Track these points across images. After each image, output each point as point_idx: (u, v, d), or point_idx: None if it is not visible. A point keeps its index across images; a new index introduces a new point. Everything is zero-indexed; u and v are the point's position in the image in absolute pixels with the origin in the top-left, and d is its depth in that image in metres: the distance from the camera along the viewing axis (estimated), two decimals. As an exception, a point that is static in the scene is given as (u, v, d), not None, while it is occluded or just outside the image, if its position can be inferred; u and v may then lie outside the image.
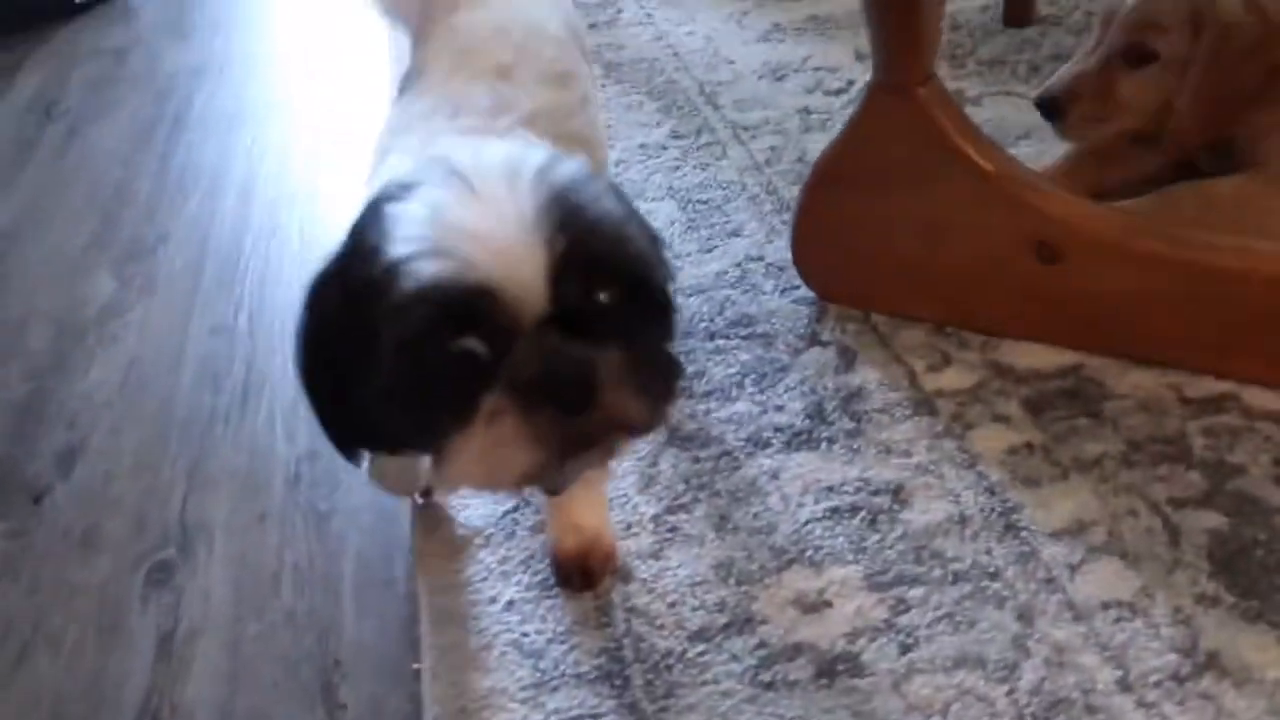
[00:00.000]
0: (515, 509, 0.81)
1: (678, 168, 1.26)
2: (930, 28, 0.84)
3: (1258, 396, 0.83)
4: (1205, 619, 0.68)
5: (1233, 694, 0.63)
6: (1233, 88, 0.90)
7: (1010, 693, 0.65)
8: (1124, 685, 0.64)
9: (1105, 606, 0.69)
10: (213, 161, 1.41)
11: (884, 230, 0.93)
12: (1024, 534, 0.75)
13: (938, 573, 0.73)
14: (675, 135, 1.33)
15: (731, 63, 1.49)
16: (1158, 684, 0.64)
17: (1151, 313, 0.85)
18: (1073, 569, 0.72)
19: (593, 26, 1.68)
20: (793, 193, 1.09)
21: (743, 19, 1.62)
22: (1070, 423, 0.83)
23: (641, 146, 1.31)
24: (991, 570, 0.73)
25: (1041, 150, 1.16)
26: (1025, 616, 0.69)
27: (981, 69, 1.37)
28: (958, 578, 0.72)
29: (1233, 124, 0.94)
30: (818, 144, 1.08)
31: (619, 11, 1.72)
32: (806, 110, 1.33)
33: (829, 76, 1.40)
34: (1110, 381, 0.86)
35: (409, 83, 0.78)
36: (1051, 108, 0.99)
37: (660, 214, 1.17)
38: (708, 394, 0.91)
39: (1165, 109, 0.96)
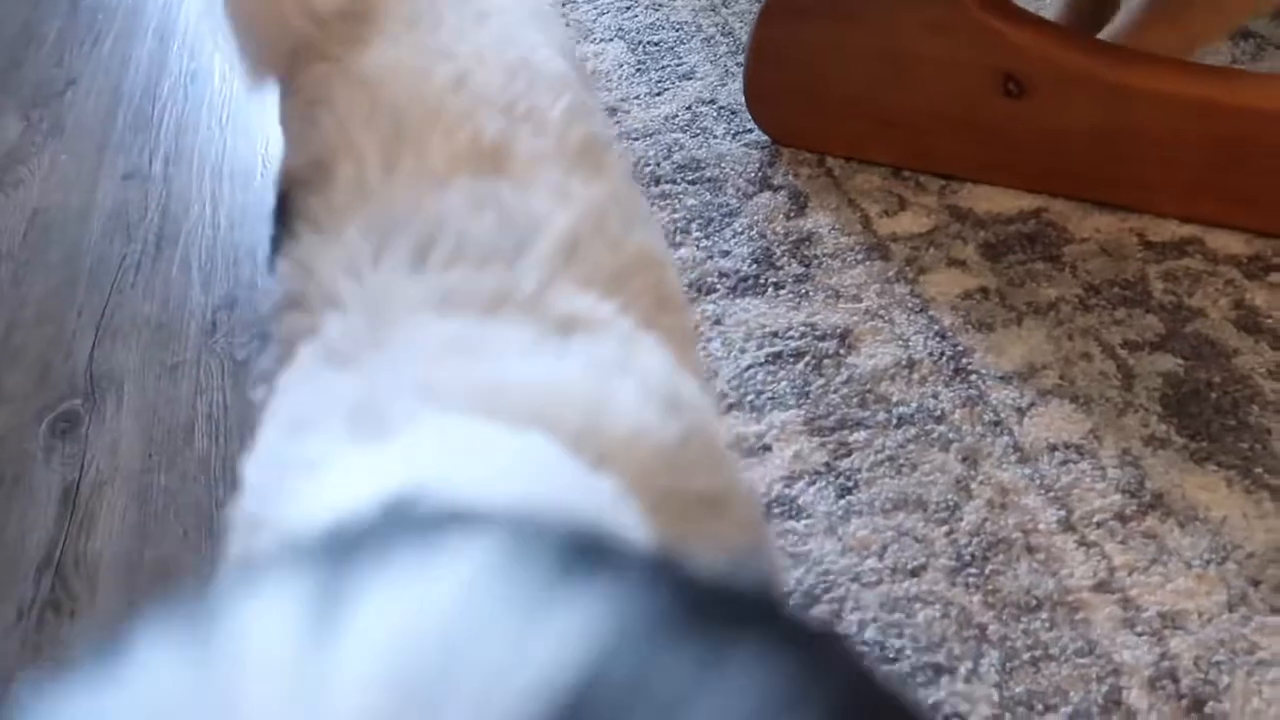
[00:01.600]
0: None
1: (629, 8, 1.17)
2: None
3: (1221, 239, 0.79)
4: (1153, 460, 0.65)
5: (1176, 533, 0.61)
6: None
7: (950, 533, 0.63)
8: (1066, 525, 0.62)
9: (1052, 449, 0.67)
10: (128, 1, 1.30)
11: (841, 65, 0.87)
12: (973, 378, 0.72)
13: (882, 416, 0.70)
14: (627, -26, 1.24)
15: (690, -101, 1.38)
16: (1100, 524, 0.62)
17: (1119, 151, 0.80)
18: (1021, 412, 0.69)
19: None
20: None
21: None
22: (1027, 267, 0.79)
23: (590, -14, 1.22)
24: (938, 414, 0.70)
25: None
26: (970, 459, 0.67)
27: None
28: (902, 421, 0.69)
29: None
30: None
31: None
32: (768, -52, 1.24)
33: (794, -87, 1.30)
34: (1071, 225, 0.82)
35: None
36: None
37: (608, 56, 1.09)
38: (651, 239, 0.86)
39: None
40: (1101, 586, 0.59)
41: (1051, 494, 0.64)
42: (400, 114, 0.40)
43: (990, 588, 0.60)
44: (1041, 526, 0.63)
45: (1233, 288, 0.76)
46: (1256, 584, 0.58)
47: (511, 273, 0.34)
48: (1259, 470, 0.64)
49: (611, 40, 1.12)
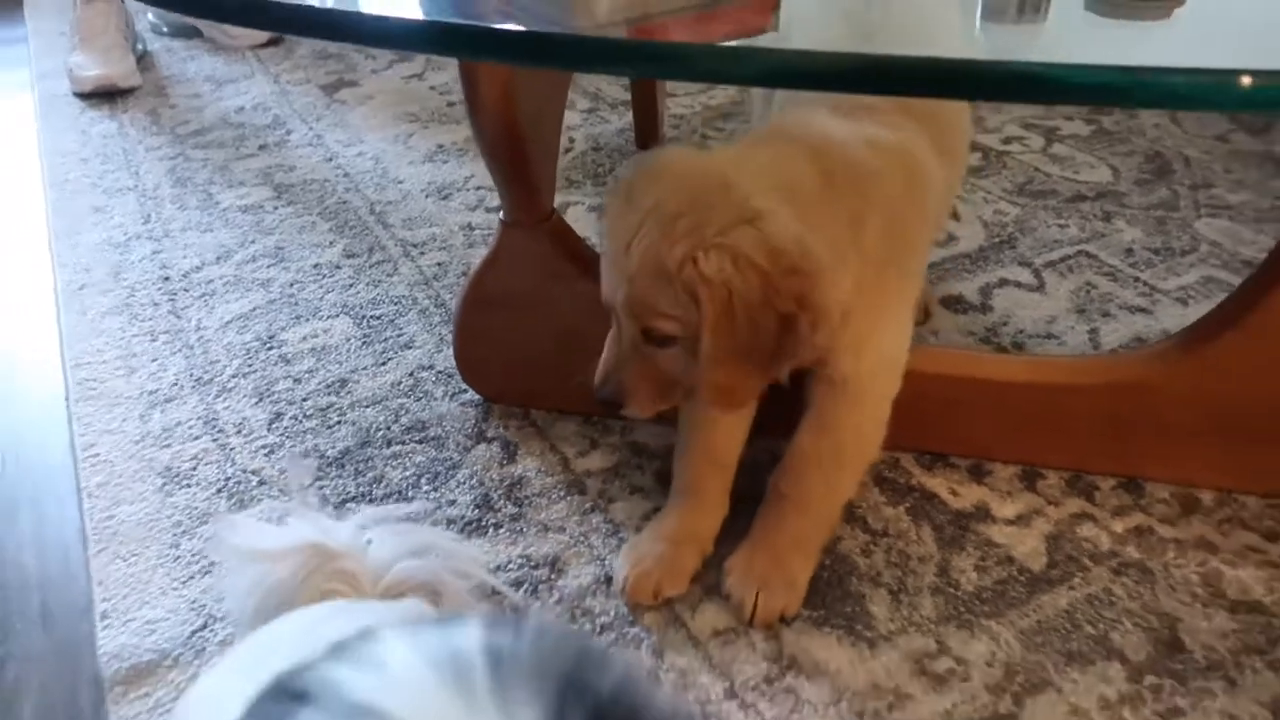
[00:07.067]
0: (204, 627, 0.86)
1: (351, 285, 1.36)
2: (543, 175, 1.01)
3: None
4: (788, 632, 0.87)
5: (808, 686, 0.82)
6: (750, 342, 0.79)
7: (645, 716, 0.80)
8: (730, 693, 0.82)
9: (716, 634, 0.87)
10: None
11: (530, 339, 1.08)
12: (655, 584, 0.91)
13: (588, 627, 0.87)
14: (348, 254, 1.43)
15: (400, 182, 1.62)
16: (754, 688, 0.82)
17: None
18: (693, 608, 0.89)
19: (262, 148, 1.75)
20: (458, 305, 1.23)
21: (408, 140, 1.76)
22: (690, 487, 1.02)
23: (315, 266, 1.40)
24: (631, 619, 0.88)
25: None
26: (658, 652, 0.85)
27: (618, 185, 1.59)
28: (604, 629, 0.87)
29: (766, 376, 0.83)
30: (481, 258, 1.22)
31: (288, 133, 1.80)
32: (470, 226, 1.49)
33: (489, 195, 1.57)
34: (720, 449, 1.06)
35: None
36: (614, 403, 0.87)
37: (336, 331, 1.26)
38: (387, 496, 1.01)
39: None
40: (757, 738, 0.78)
41: (718, 670, 0.83)
42: None
43: (677, 755, 0.77)
44: (713, 697, 0.81)
45: (834, 486, 1.02)
46: (861, 715, 0.80)
47: None
48: (859, 627, 0.87)
49: (338, 316, 1.29)
